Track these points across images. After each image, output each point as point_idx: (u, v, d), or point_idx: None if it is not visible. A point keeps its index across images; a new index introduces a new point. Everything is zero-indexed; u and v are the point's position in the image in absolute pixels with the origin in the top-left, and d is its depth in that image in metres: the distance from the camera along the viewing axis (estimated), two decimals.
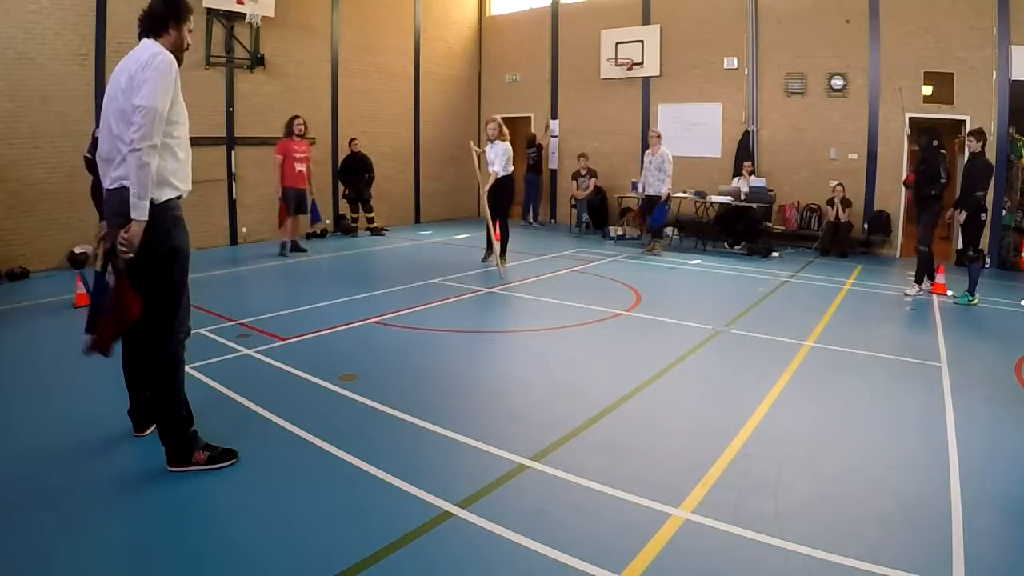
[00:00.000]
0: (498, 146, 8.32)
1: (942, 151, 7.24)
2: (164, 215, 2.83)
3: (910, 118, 9.72)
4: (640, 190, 10.16)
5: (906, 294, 7.28)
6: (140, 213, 2.73)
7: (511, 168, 8.38)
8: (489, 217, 8.25)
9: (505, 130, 8.42)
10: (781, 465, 3.20)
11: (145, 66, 2.78)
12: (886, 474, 3.14)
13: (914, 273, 7.49)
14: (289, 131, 9.03)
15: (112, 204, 2.88)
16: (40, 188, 7.90)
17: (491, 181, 8.28)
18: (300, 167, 8.99)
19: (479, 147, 8.89)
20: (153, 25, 2.92)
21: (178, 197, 2.92)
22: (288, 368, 4.43)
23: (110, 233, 2.90)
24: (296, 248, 9.26)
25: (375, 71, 12.14)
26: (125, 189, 2.75)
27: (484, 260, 8.78)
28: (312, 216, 9.62)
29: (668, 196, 9.76)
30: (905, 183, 8.84)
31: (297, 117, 9.12)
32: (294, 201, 9.03)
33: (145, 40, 2.92)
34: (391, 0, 12.46)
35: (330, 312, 5.98)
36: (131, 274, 2.84)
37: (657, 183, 9.69)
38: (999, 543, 2.57)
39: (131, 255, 2.75)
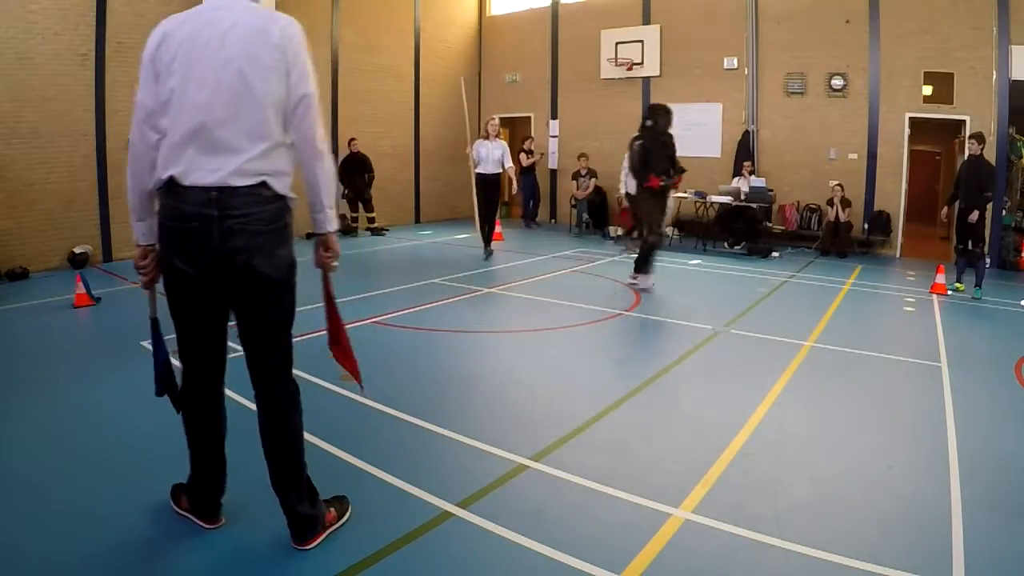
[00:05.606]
0: (501, 143, 9.02)
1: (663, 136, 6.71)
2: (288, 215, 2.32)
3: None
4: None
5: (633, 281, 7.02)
6: (334, 223, 2.43)
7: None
8: (489, 212, 8.99)
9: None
10: (781, 465, 3.20)
11: (290, 37, 2.16)
12: (886, 474, 3.14)
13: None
14: None
15: (236, 207, 2.15)
16: (40, 188, 7.90)
17: (516, 172, 9.46)
18: None
19: (471, 146, 9.19)
20: None
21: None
22: None
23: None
24: None
25: (375, 71, 12.14)
26: (266, 187, 2.21)
27: (487, 258, 9.09)
28: None
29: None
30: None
31: None
32: None
33: None
34: (391, 0, 12.46)
35: None
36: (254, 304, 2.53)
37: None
38: (999, 543, 2.56)
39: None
